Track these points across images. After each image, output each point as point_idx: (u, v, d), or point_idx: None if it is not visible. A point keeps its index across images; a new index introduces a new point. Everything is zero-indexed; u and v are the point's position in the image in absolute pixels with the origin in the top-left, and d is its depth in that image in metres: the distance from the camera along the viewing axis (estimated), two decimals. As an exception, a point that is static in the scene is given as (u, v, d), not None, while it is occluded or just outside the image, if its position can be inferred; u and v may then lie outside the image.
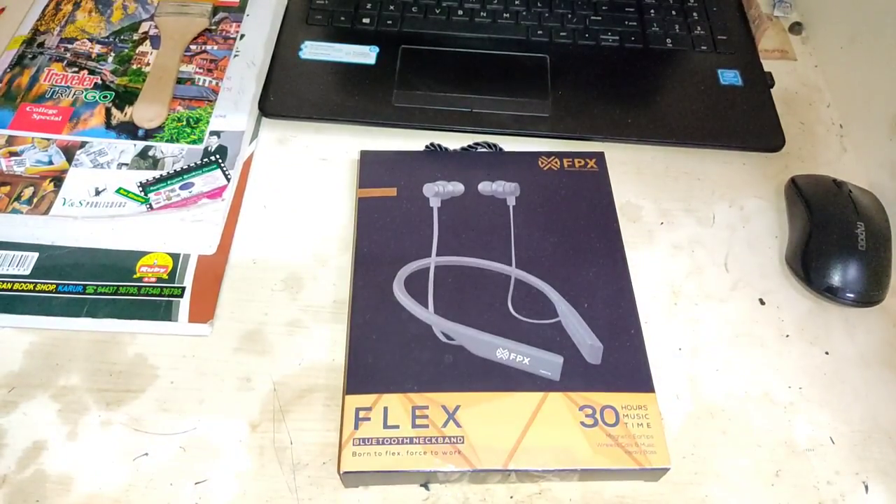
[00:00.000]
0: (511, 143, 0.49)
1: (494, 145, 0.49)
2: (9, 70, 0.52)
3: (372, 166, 0.47)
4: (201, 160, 0.48)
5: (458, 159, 0.47)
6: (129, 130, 0.49)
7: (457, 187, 0.45)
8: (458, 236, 0.43)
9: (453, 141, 0.49)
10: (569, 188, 0.46)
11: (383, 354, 0.38)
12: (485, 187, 0.46)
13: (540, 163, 0.47)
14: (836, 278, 0.43)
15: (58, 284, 0.42)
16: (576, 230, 0.44)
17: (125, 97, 0.51)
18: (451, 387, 0.37)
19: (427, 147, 0.49)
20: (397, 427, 0.36)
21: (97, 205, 0.45)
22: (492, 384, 0.37)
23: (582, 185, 0.46)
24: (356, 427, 0.36)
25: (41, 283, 0.42)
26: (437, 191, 0.45)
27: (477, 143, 0.49)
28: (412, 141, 0.51)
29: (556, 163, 0.47)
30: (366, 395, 0.37)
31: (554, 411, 0.37)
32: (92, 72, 0.52)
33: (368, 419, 0.36)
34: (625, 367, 0.38)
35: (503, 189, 0.45)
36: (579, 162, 0.47)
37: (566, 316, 0.40)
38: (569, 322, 0.40)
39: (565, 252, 0.43)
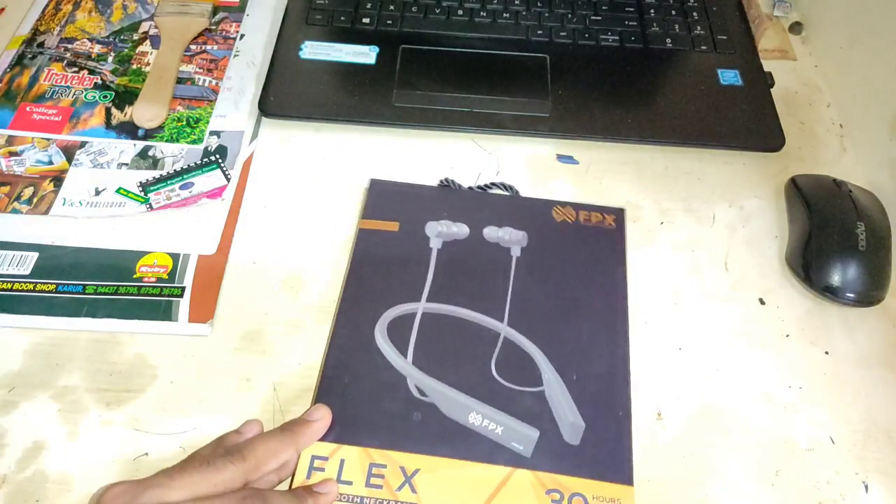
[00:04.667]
0: (511, 144, 0.49)
1: (511, 187, 0.47)
2: (9, 70, 0.52)
3: (379, 196, 0.45)
4: (201, 160, 0.48)
5: (469, 199, 0.45)
6: (128, 130, 0.49)
7: (461, 229, 0.43)
8: (453, 282, 0.41)
9: (468, 175, 0.48)
10: (580, 243, 0.43)
11: (351, 401, 0.36)
12: (490, 233, 0.43)
13: (554, 213, 0.44)
14: (836, 278, 0.43)
15: (58, 284, 0.42)
16: (580, 292, 0.41)
17: (125, 97, 0.51)
18: (414, 447, 0.35)
19: (441, 182, 0.47)
20: (350, 483, 0.34)
21: (97, 205, 0.45)
22: (458, 451, 0.35)
23: (595, 243, 0.43)
24: (308, 476, 0.34)
25: (41, 283, 0.42)
26: (440, 231, 0.43)
27: (493, 184, 0.47)
28: (412, 141, 0.51)
29: (571, 214, 0.44)
30: (324, 443, 0.35)
31: (518, 490, 0.34)
32: (92, 72, 0.52)
33: (322, 469, 0.34)
34: (605, 453, 0.35)
35: (510, 237, 0.43)
36: (596, 216, 0.44)
37: (551, 386, 0.37)
38: (553, 393, 0.37)
39: (564, 314, 0.40)
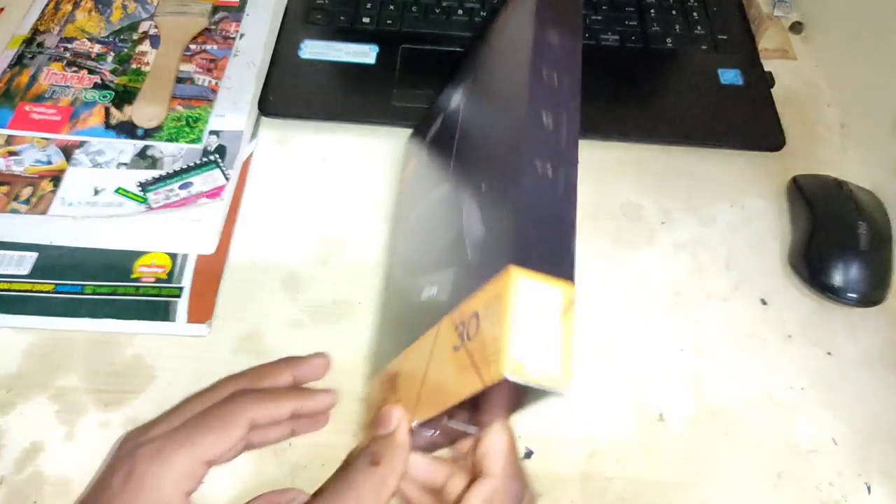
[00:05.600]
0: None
1: None
2: (8, 69, 0.52)
3: None
4: (200, 160, 0.48)
5: None
6: (128, 130, 0.49)
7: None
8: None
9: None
10: (504, 38, 0.33)
11: None
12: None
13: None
14: (838, 278, 0.43)
15: (56, 284, 0.42)
16: (497, 96, 0.32)
17: (124, 97, 0.51)
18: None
19: None
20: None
21: (96, 204, 0.45)
22: (411, 338, 0.32)
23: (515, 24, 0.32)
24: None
25: (39, 283, 0.42)
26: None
27: None
28: (412, 141, 0.51)
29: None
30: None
31: (441, 344, 0.28)
32: (91, 71, 0.52)
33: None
34: (492, 249, 0.26)
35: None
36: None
37: (468, 215, 0.30)
38: (467, 222, 0.30)
39: (482, 129, 0.33)
